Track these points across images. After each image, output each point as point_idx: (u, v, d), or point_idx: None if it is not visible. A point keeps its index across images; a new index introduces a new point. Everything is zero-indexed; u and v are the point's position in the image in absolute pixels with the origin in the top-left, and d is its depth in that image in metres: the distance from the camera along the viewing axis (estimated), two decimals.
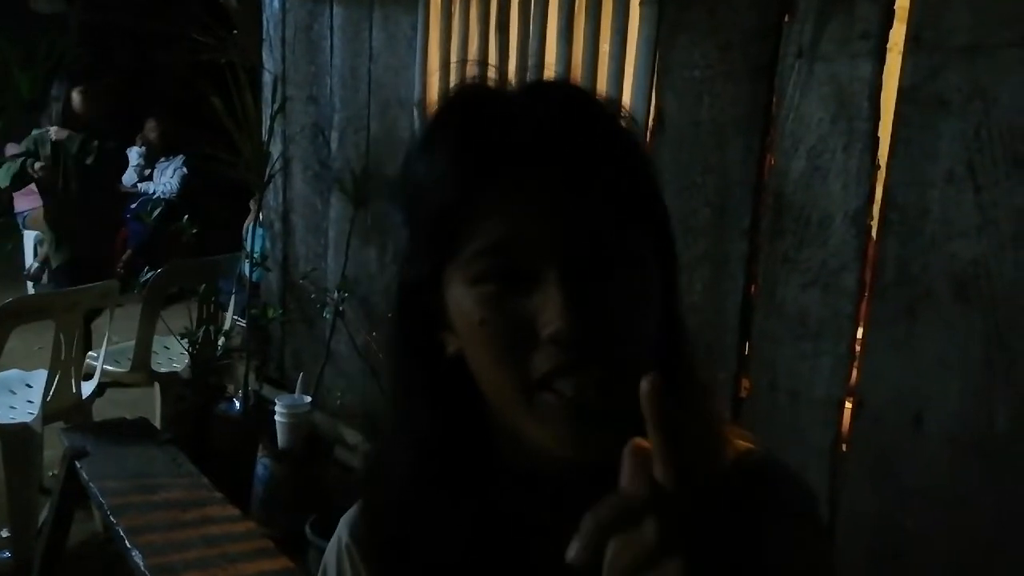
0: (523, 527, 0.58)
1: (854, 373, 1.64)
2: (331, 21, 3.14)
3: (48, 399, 2.81)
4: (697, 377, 0.61)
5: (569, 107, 0.54)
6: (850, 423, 1.64)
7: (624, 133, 0.56)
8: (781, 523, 0.59)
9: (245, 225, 4.39)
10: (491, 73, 0.58)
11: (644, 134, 0.52)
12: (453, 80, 2.58)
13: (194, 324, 3.30)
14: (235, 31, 3.32)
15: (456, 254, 0.53)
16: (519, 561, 0.58)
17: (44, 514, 2.68)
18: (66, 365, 2.87)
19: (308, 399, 2.87)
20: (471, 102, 0.56)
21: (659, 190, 0.57)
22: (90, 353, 3.12)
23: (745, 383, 1.80)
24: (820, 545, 0.63)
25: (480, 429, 0.59)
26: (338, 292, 2.96)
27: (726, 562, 0.44)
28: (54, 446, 2.79)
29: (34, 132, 3.80)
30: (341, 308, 2.95)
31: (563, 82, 0.58)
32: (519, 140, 0.52)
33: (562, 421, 0.51)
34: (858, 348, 1.63)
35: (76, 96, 3.75)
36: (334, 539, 0.66)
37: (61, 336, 2.83)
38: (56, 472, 2.65)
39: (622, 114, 0.57)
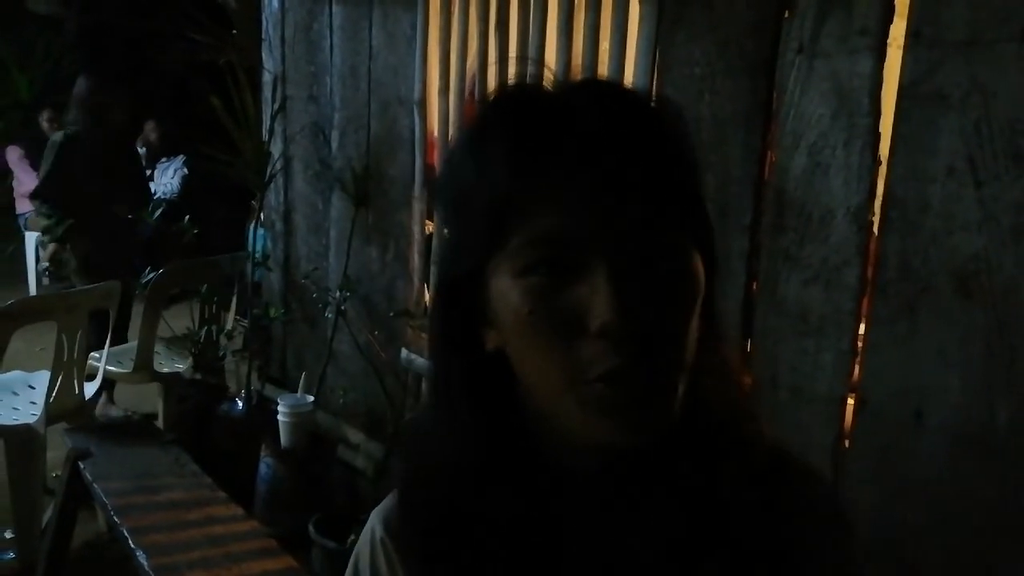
0: (563, 522, 0.59)
1: (856, 369, 1.64)
2: (331, 20, 3.14)
3: (51, 400, 2.81)
4: (732, 373, 0.62)
5: (619, 103, 0.55)
6: (852, 419, 1.64)
7: (673, 129, 0.57)
8: (810, 522, 0.61)
9: (248, 225, 4.39)
10: (538, 71, 0.59)
11: (691, 130, 0.54)
12: (458, 77, 2.59)
13: (196, 324, 3.31)
14: (234, 31, 3.33)
15: (503, 247, 0.53)
16: (559, 556, 0.58)
17: (48, 515, 2.69)
18: (68, 366, 2.88)
19: (311, 399, 2.88)
20: (521, 99, 0.56)
21: (702, 186, 0.59)
22: (92, 354, 3.12)
23: (747, 380, 1.80)
24: (849, 546, 0.64)
25: (520, 426, 0.59)
26: (340, 291, 2.96)
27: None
28: (57, 447, 2.80)
29: (68, 130, 3.73)
30: (343, 307, 2.96)
31: (611, 80, 0.59)
32: (570, 134, 0.52)
33: (609, 411, 0.52)
34: (860, 344, 1.63)
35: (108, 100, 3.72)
36: (366, 532, 0.66)
37: (63, 337, 2.84)
38: (60, 473, 2.65)
39: (672, 111, 0.58)
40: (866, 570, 0.66)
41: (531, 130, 0.53)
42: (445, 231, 0.60)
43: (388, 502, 0.66)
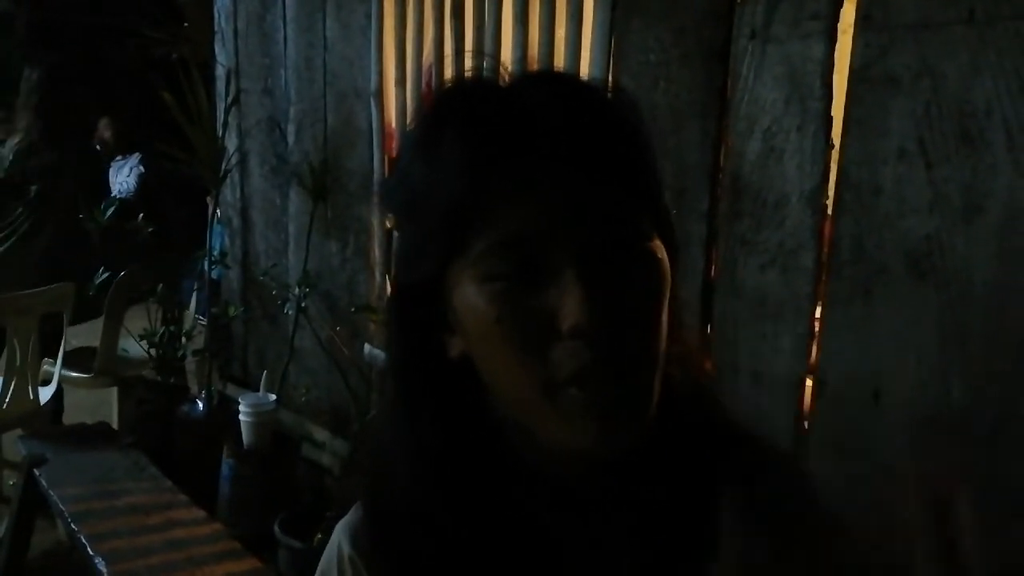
0: (538, 528, 0.57)
1: (814, 352, 1.65)
2: (284, 12, 3.08)
3: (4, 406, 2.74)
4: (695, 361, 0.62)
5: (577, 97, 0.53)
6: (811, 401, 1.65)
7: (632, 122, 0.55)
8: (786, 500, 0.61)
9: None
10: (492, 64, 0.56)
11: (647, 119, 0.54)
12: (415, 67, 2.56)
13: (154, 325, 3.25)
14: (186, 24, 3.26)
15: (464, 252, 0.51)
16: (536, 562, 0.56)
17: (4, 525, 2.62)
18: (22, 371, 2.81)
19: (273, 397, 2.83)
20: (475, 95, 0.54)
21: (661, 175, 0.57)
22: (46, 359, 3.05)
23: (708, 365, 1.80)
24: (827, 532, 0.64)
25: (488, 432, 0.57)
26: (299, 288, 2.92)
27: None
28: (12, 454, 2.73)
29: None
30: (303, 304, 2.92)
31: (566, 72, 0.58)
32: (528, 132, 0.50)
33: (586, 417, 0.50)
34: (817, 327, 1.64)
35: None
36: (332, 548, 0.63)
37: (15, 341, 2.77)
38: (15, 481, 2.59)
39: (629, 102, 0.56)
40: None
41: (487, 128, 0.51)
42: (397, 235, 0.58)
43: (353, 516, 0.63)
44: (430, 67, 2.60)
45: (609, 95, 0.55)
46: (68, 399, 3.38)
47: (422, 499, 0.57)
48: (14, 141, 3.21)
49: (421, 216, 0.53)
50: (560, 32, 2.16)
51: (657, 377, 0.52)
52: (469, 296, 0.52)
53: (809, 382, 1.66)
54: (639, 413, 0.51)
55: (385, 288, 2.81)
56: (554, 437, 0.52)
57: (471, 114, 0.52)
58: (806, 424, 1.67)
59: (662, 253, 0.53)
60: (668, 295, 0.53)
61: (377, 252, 2.82)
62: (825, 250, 1.62)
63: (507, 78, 0.55)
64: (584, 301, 0.48)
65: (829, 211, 1.61)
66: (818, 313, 1.64)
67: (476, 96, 0.54)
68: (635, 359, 0.50)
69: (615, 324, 0.49)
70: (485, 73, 0.56)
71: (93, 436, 2.71)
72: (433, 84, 2.67)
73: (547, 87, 0.53)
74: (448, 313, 0.54)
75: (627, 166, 0.52)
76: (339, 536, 0.62)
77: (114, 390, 3.31)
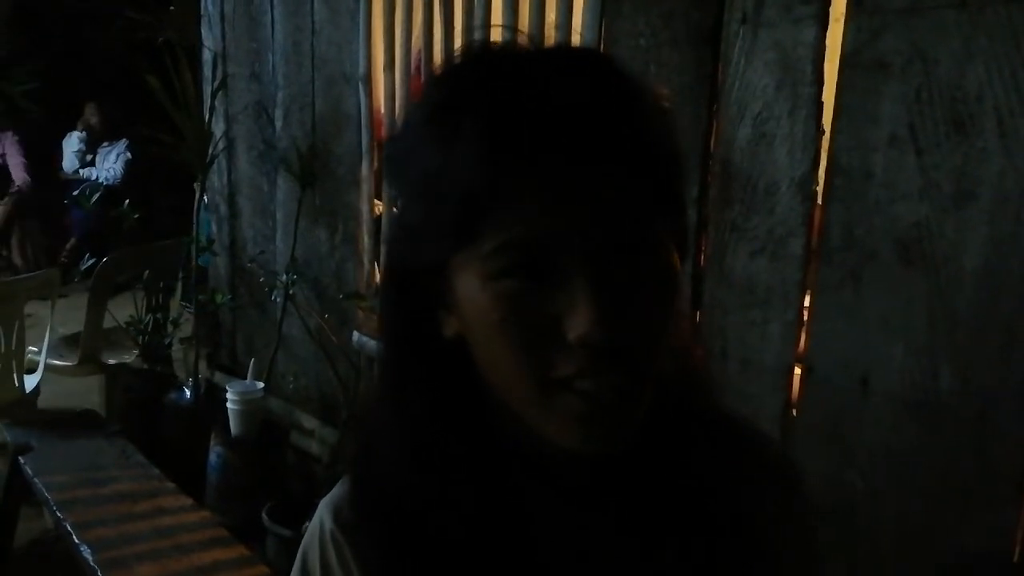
0: (526, 510, 0.56)
1: (803, 338, 1.65)
2: None
3: None
4: (690, 348, 0.62)
5: (606, 88, 0.49)
6: (800, 388, 1.65)
7: (664, 119, 0.52)
8: (770, 488, 0.62)
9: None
10: (511, 35, 0.53)
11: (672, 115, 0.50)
12: (404, 52, 2.53)
13: (140, 313, 3.23)
14: (172, 7, 3.22)
15: (472, 243, 0.49)
16: (524, 541, 0.56)
17: None
18: (6, 358, 2.78)
19: (261, 385, 2.82)
20: (496, 68, 0.50)
21: (685, 173, 0.55)
22: (30, 348, 3.02)
23: (699, 352, 1.80)
24: (805, 507, 0.66)
25: (480, 412, 0.57)
26: (287, 275, 2.90)
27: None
28: None
29: None
30: (291, 291, 2.90)
31: (593, 54, 0.53)
32: (555, 126, 0.47)
33: (577, 419, 0.49)
34: (806, 314, 1.64)
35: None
36: (315, 525, 0.62)
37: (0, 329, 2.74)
38: None
39: (661, 95, 0.53)
40: (818, 531, 0.67)
41: (510, 118, 0.47)
42: (398, 211, 0.55)
43: (337, 492, 0.62)
44: (419, 52, 2.57)
45: (640, 86, 0.52)
46: (56, 387, 3.35)
47: (409, 476, 0.57)
48: None
49: (431, 200, 0.50)
50: (551, 17, 2.14)
51: (653, 379, 0.52)
52: (473, 290, 0.50)
53: (798, 369, 1.66)
54: (630, 420, 0.51)
55: (374, 275, 2.79)
56: (545, 435, 0.51)
57: (493, 99, 0.48)
58: (795, 411, 1.67)
59: (675, 259, 0.52)
60: (676, 302, 0.52)
61: (366, 239, 2.80)
62: (815, 237, 1.61)
63: (529, 50, 0.51)
64: (594, 314, 0.47)
65: (819, 198, 1.60)
66: (807, 300, 1.64)
67: (498, 69, 0.50)
68: (637, 371, 0.50)
69: (623, 339, 0.48)
70: (504, 47, 0.52)
71: (79, 424, 2.69)
72: (422, 69, 2.64)
73: (575, 74, 0.49)
74: (447, 293, 0.53)
75: (655, 168, 0.50)
76: (322, 512, 0.62)
77: (102, 378, 3.28)
